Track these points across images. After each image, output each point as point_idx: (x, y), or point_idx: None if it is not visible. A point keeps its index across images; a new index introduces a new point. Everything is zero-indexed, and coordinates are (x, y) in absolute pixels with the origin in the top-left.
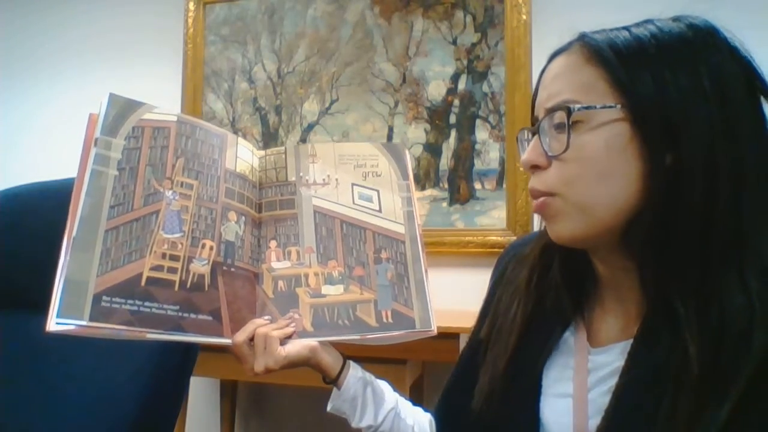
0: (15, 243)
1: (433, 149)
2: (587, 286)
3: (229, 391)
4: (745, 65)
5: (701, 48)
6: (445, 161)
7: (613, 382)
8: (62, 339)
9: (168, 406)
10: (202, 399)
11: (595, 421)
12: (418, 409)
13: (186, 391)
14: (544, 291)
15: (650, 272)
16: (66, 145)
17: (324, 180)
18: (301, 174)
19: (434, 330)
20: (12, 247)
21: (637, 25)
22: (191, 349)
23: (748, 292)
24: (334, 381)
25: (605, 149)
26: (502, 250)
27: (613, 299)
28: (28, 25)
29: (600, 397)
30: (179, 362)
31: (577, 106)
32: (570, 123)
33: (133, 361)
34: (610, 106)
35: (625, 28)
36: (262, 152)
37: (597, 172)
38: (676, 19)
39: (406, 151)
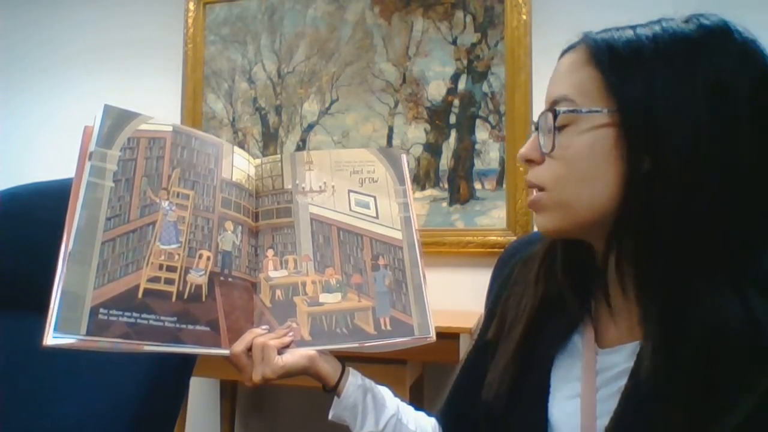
0: (14, 243)
1: (433, 149)
2: (594, 285)
3: (229, 391)
4: (757, 68)
5: (704, 51)
6: (445, 161)
7: (622, 383)
8: None
9: (168, 406)
10: (202, 399)
11: (603, 422)
12: (421, 414)
13: (186, 391)
14: (552, 287)
15: (633, 273)
16: (66, 144)
17: (320, 187)
18: (297, 182)
19: (433, 337)
20: (12, 247)
21: (645, 25)
22: None
23: (748, 305)
24: (333, 389)
25: (590, 152)
26: (502, 250)
27: (620, 299)
28: (28, 25)
29: (608, 398)
30: (179, 362)
31: (563, 109)
32: (556, 125)
33: (133, 361)
34: (596, 111)
35: (632, 27)
36: (258, 160)
37: (580, 174)
38: (688, 18)
39: (403, 157)
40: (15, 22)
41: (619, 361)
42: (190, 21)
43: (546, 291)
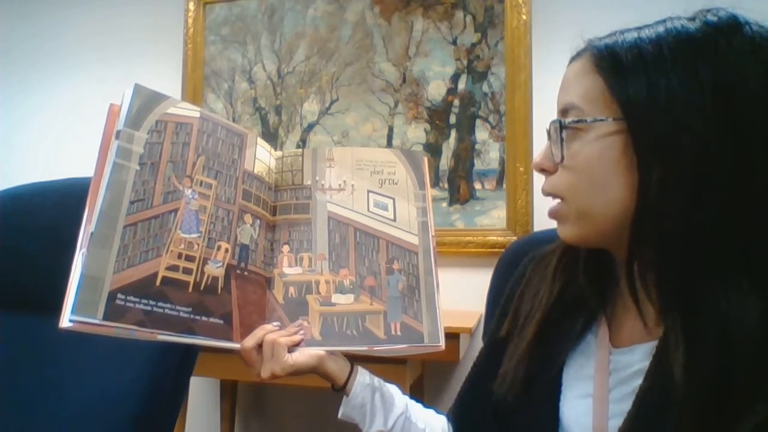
0: (15, 243)
1: (433, 149)
2: (611, 283)
3: (229, 391)
4: None
5: (708, 50)
6: (445, 161)
7: (636, 383)
8: (62, 339)
9: (168, 406)
10: (202, 399)
11: (615, 422)
12: (430, 412)
13: (186, 391)
14: (568, 284)
15: (654, 277)
16: (66, 145)
17: (340, 185)
18: (317, 178)
19: (442, 346)
20: (12, 247)
21: (650, 25)
22: (191, 349)
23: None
24: (341, 388)
25: (599, 161)
26: (502, 250)
27: (643, 299)
28: (28, 25)
29: (622, 399)
30: (179, 362)
31: (569, 119)
32: (563, 135)
33: (133, 361)
34: (602, 120)
35: (638, 28)
36: (279, 153)
37: (592, 183)
38: (694, 16)
39: (425, 160)
40: (14, 23)
41: (633, 361)
42: (190, 21)
43: (562, 288)
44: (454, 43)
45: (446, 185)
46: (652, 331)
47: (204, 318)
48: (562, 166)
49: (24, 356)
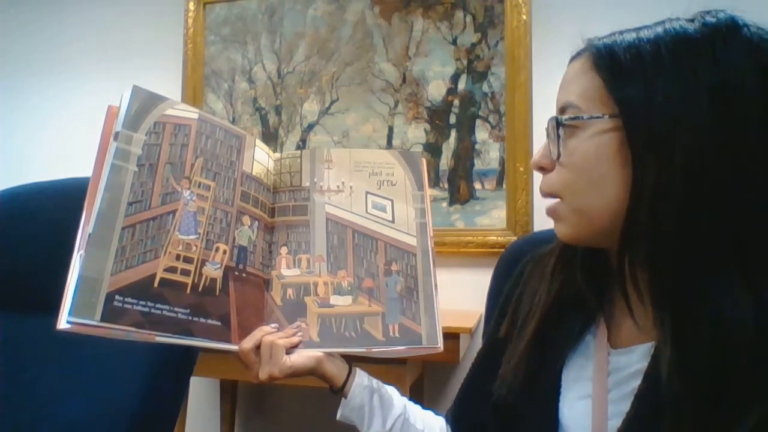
0: (15, 243)
1: (433, 149)
2: (609, 284)
3: (229, 391)
4: None
5: (707, 51)
6: (445, 161)
7: (635, 384)
8: (62, 339)
9: (168, 406)
10: (202, 399)
11: (615, 423)
12: (429, 413)
13: (186, 391)
14: (566, 285)
15: (647, 276)
16: (66, 144)
17: (338, 187)
18: (315, 180)
19: (440, 347)
20: (12, 247)
21: (649, 26)
22: (191, 349)
23: (761, 303)
24: (340, 390)
25: (595, 158)
26: (502, 250)
27: (634, 299)
28: (28, 25)
29: (621, 400)
30: (179, 362)
31: (566, 116)
32: (560, 132)
33: (133, 361)
34: (598, 117)
35: (637, 29)
36: (278, 155)
37: (588, 180)
38: (693, 17)
39: (423, 161)
40: (14, 23)
41: (632, 361)
42: (190, 21)
43: (560, 289)
44: (454, 43)
45: (446, 185)
46: (650, 331)
47: (202, 319)
48: (559, 163)
49: (24, 356)
